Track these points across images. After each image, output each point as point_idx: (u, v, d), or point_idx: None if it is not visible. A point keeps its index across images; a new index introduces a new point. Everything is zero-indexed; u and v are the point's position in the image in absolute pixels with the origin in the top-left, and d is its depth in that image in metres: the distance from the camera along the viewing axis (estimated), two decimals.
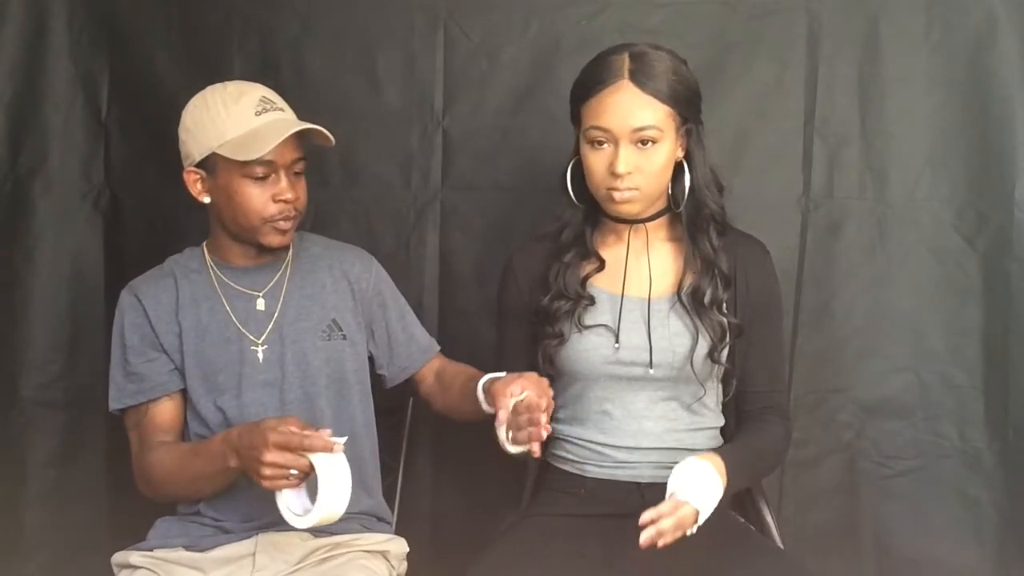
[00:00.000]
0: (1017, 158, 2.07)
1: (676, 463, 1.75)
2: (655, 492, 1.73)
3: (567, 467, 1.80)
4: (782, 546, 1.81)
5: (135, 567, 1.74)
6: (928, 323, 2.13)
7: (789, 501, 2.16)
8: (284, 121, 1.74)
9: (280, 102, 1.78)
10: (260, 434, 1.55)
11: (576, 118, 1.74)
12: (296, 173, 1.76)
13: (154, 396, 1.79)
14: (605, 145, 1.68)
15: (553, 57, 2.18)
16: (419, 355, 1.94)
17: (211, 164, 1.75)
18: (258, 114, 1.73)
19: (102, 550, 1.85)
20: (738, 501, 1.85)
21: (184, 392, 1.81)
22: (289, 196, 1.74)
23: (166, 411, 1.80)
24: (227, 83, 1.78)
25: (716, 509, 1.77)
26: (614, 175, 1.67)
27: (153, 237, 2.31)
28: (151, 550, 1.77)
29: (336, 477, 1.53)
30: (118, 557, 1.79)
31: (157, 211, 2.32)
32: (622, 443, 1.75)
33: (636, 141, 1.66)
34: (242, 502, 1.78)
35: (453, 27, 2.20)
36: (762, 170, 2.16)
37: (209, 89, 1.78)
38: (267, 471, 1.54)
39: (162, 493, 1.79)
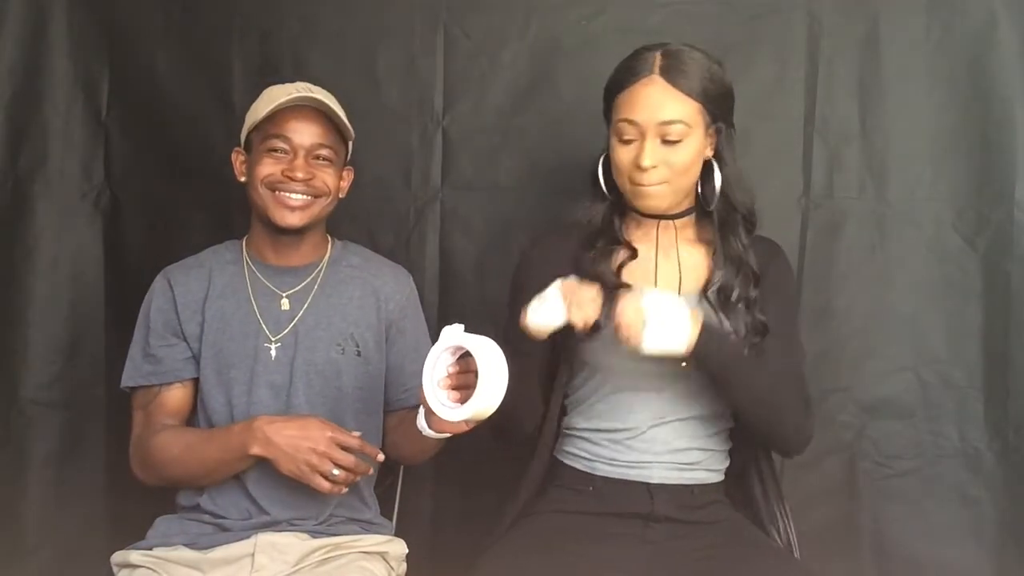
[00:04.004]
0: (1017, 158, 2.07)
1: (687, 464, 1.75)
2: (664, 493, 1.73)
3: (577, 464, 1.79)
4: (797, 548, 1.80)
5: (135, 566, 1.74)
6: (928, 323, 2.13)
7: (789, 501, 2.14)
8: (296, 96, 1.80)
9: (320, 93, 1.83)
10: (318, 427, 1.68)
11: (608, 113, 1.75)
12: (318, 157, 1.81)
13: (167, 380, 1.82)
14: (633, 139, 1.69)
15: (553, 57, 2.18)
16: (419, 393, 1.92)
17: (249, 144, 1.84)
18: (290, 95, 1.80)
19: (102, 550, 1.85)
20: (754, 506, 1.84)
21: (196, 382, 1.83)
22: (299, 175, 1.78)
23: (176, 397, 1.82)
24: (289, 83, 1.86)
25: (719, 509, 1.77)
26: (639, 168, 1.68)
27: (153, 237, 2.32)
28: (151, 549, 1.77)
29: (496, 366, 1.50)
30: (117, 556, 1.79)
31: (157, 211, 2.32)
32: (636, 442, 1.74)
33: (662, 135, 1.67)
34: (243, 500, 1.78)
35: (453, 27, 2.21)
36: (762, 170, 2.14)
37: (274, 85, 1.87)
38: (315, 459, 1.66)
39: (163, 476, 1.80)
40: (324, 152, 1.81)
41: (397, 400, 1.90)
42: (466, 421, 1.52)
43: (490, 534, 1.76)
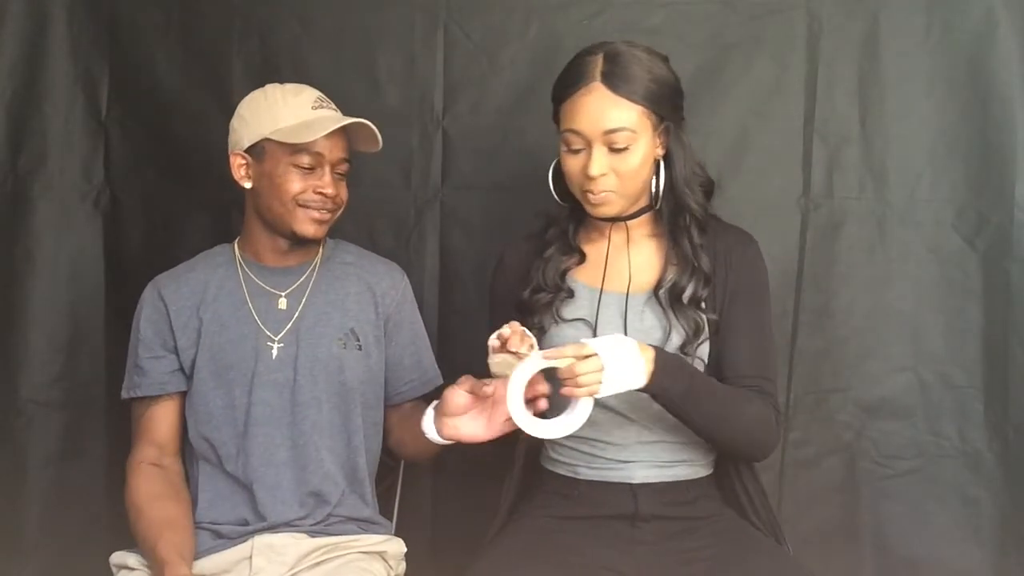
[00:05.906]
0: (1017, 158, 2.07)
1: (668, 461, 1.74)
2: (648, 492, 1.73)
3: (559, 469, 1.79)
4: (787, 541, 1.80)
5: (132, 568, 1.75)
6: (928, 323, 2.13)
7: (789, 501, 2.16)
8: (337, 118, 1.81)
9: (333, 104, 1.85)
10: None
11: (556, 119, 1.74)
12: (339, 173, 1.83)
13: (152, 393, 1.82)
14: (580, 148, 1.68)
15: (553, 57, 2.16)
16: (419, 386, 1.93)
17: (259, 150, 1.80)
18: (314, 108, 1.81)
19: (101, 550, 1.85)
20: (741, 498, 1.83)
21: (184, 395, 1.83)
22: (329, 191, 1.79)
23: (165, 412, 1.83)
24: (287, 83, 1.85)
25: (706, 505, 1.77)
26: (589, 178, 1.67)
27: (153, 237, 2.32)
28: None
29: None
30: (116, 557, 1.79)
31: (157, 211, 2.32)
32: (610, 440, 1.74)
33: (609, 144, 1.66)
34: (240, 507, 1.79)
35: (453, 27, 2.21)
36: (762, 170, 2.15)
37: (269, 85, 1.85)
38: None
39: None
40: (343, 167, 1.83)
41: (397, 395, 1.90)
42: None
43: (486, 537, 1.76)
